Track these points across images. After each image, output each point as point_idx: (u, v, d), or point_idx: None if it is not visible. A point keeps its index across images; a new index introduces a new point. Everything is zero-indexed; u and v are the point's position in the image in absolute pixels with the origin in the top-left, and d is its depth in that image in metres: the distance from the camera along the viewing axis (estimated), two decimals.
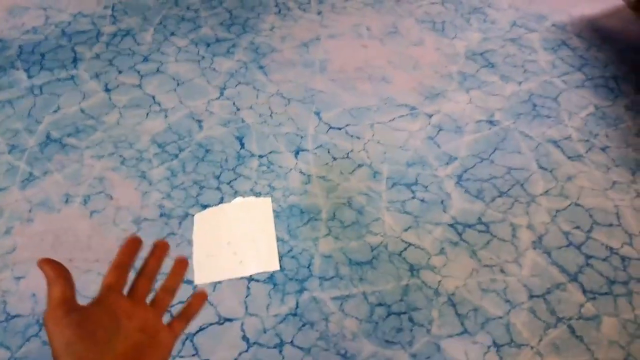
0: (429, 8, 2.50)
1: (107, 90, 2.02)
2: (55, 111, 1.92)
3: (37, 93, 2.00)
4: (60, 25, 2.35)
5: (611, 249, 1.51)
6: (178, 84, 2.05)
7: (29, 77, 2.08)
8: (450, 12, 2.48)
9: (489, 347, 1.30)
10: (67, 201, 1.62)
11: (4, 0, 2.52)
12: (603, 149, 1.81)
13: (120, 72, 2.10)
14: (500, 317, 1.36)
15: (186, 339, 1.31)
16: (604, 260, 1.48)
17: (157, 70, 2.12)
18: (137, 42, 2.26)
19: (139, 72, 2.10)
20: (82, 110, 1.93)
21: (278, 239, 1.53)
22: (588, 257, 1.49)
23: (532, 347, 1.30)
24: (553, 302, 1.39)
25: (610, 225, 1.57)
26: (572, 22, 2.41)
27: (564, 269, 1.46)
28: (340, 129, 1.88)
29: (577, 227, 1.56)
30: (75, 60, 2.15)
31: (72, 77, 2.07)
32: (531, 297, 1.40)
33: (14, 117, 1.90)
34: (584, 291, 1.41)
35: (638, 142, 1.83)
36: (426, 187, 1.67)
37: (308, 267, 1.46)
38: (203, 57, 2.18)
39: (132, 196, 1.64)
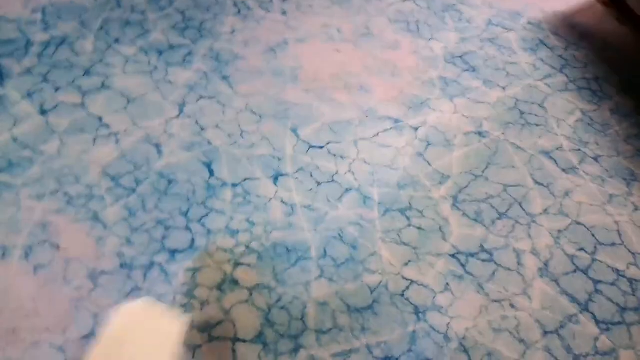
0: (401, 6, 2.34)
1: (44, 112, 1.71)
2: None
3: None
4: None
5: (618, 271, 1.43)
6: (128, 102, 1.78)
7: None
8: (423, 10, 2.33)
9: None
10: (3, 255, 1.33)
11: None
12: (595, 159, 1.74)
13: (57, 89, 1.79)
14: None
15: None
16: (612, 284, 1.40)
17: (102, 85, 1.82)
18: (76, 52, 1.94)
19: (80, 88, 1.80)
20: (15, 139, 1.62)
21: (263, 287, 1.33)
22: (596, 282, 1.41)
23: None
24: (568, 337, 1.29)
25: (613, 244, 1.50)
26: (547, 20, 2.33)
27: (574, 298, 1.37)
28: (321, 147, 1.70)
29: (582, 249, 1.48)
30: (1, 77, 1.82)
31: (0, 98, 1.74)
32: (545, 333, 1.29)
33: None
34: (597, 322, 1.33)
35: (628, 150, 1.78)
36: (421, 211, 1.53)
37: (301, 319, 1.28)
38: (155, 68, 1.91)
39: (84, 244, 1.37)
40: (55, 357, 1.17)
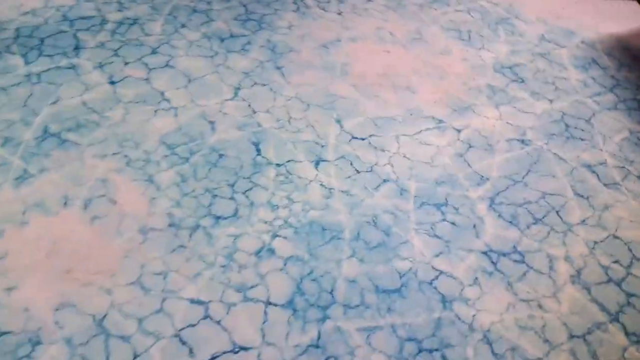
0: (454, 16, 2.39)
1: (112, 82, 1.86)
2: (54, 102, 1.76)
3: (35, 81, 1.83)
4: (61, 9, 2.18)
5: None
6: (189, 81, 1.91)
7: (27, 63, 1.91)
8: (477, 21, 2.37)
9: None
10: (65, 204, 1.46)
11: None
12: (639, 177, 1.72)
13: (126, 63, 1.94)
14: (540, 359, 1.25)
15: None
16: None
17: (167, 64, 1.96)
18: (145, 32, 2.10)
19: (147, 65, 1.95)
20: (84, 104, 1.77)
21: (297, 259, 1.40)
22: (629, 295, 1.39)
23: None
24: (594, 343, 1.29)
25: None
26: (601, 40, 2.32)
27: (604, 307, 1.36)
28: (363, 139, 1.76)
29: (617, 262, 1.47)
30: (77, 48, 1.99)
31: (74, 66, 1.91)
32: (571, 337, 1.30)
33: (9, 106, 1.74)
34: (627, 333, 1.31)
35: None
36: (457, 208, 1.56)
37: (331, 292, 1.34)
38: (216, 53, 2.04)
39: (138, 202, 1.49)
40: (102, 298, 1.28)
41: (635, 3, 2.60)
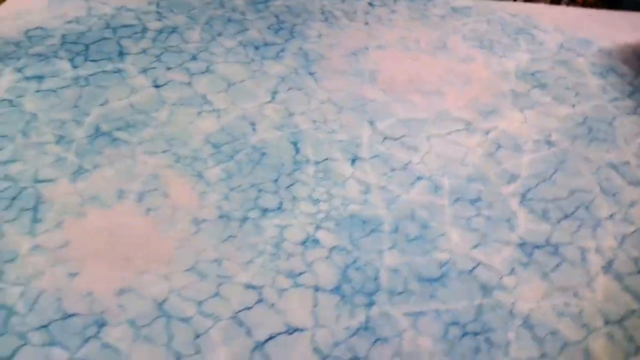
0: (475, 26, 2.50)
1: (156, 86, 1.96)
2: (103, 104, 1.86)
3: (83, 84, 1.93)
4: (103, 18, 2.29)
5: None
6: (228, 85, 2.00)
7: (74, 67, 2.01)
8: (497, 31, 2.48)
9: None
10: (120, 197, 1.55)
11: None
12: None
13: (168, 68, 2.05)
14: (579, 342, 1.31)
15: (255, 347, 1.23)
16: None
17: (207, 69, 2.07)
18: (184, 40, 2.21)
19: (188, 70, 2.05)
20: (132, 105, 1.86)
21: (341, 249, 1.47)
22: None
23: None
24: (630, 329, 1.35)
25: None
26: (618, 49, 2.42)
27: (636, 295, 1.42)
28: (395, 139, 1.85)
29: None
30: (121, 54, 2.10)
31: (119, 71, 2.01)
32: (607, 322, 1.36)
33: (60, 107, 1.83)
34: None
35: None
36: (490, 204, 1.64)
37: (375, 280, 1.41)
38: (252, 60, 2.14)
39: (188, 196, 1.57)
40: (161, 284, 1.35)
41: None
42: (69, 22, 2.25)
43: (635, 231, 1.60)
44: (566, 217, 1.62)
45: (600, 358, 1.28)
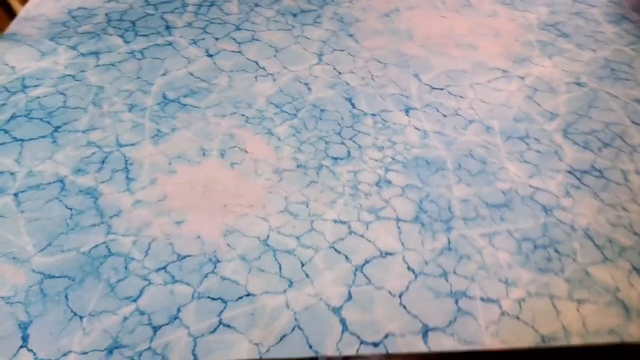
0: None
1: (210, 55, 2.06)
2: (164, 74, 1.95)
3: (140, 57, 2.02)
4: None
5: None
6: (276, 51, 2.11)
7: (126, 42, 2.09)
8: None
9: (630, 270, 1.43)
10: (204, 154, 1.66)
11: None
12: None
13: (217, 39, 2.14)
14: (633, 246, 1.49)
15: (356, 270, 1.38)
16: None
17: (252, 38, 2.17)
18: (225, 12, 2.30)
19: (235, 39, 2.15)
20: (191, 74, 1.96)
21: (412, 186, 1.61)
22: None
23: None
24: None
25: None
26: None
27: None
28: (442, 89, 1.99)
29: None
30: (168, 28, 2.18)
31: (170, 43, 2.10)
32: None
33: (123, 79, 1.92)
34: None
35: None
36: (538, 139, 1.80)
37: (449, 209, 1.56)
38: (293, 27, 2.25)
39: (265, 150, 1.69)
40: (261, 224, 1.48)
41: None
42: (109, 0, 2.32)
43: None
44: (605, 145, 1.79)
45: None
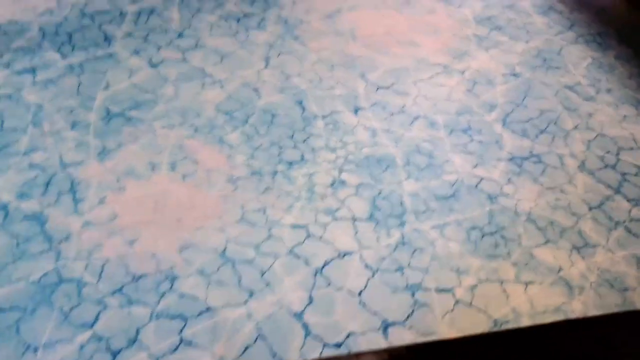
0: None
1: (153, 65, 2.01)
2: (106, 88, 1.89)
3: (79, 72, 1.95)
4: (76, 6, 2.28)
5: (638, 166, 1.81)
6: (222, 57, 2.10)
7: (63, 57, 2.01)
8: None
9: (570, 250, 1.54)
10: (153, 169, 1.63)
11: None
12: (608, 91, 2.13)
13: (159, 48, 2.10)
14: (572, 227, 1.60)
15: (315, 273, 1.41)
16: (635, 175, 1.78)
17: (197, 44, 2.14)
18: (165, 19, 2.25)
19: (178, 46, 2.11)
20: (135, 85, 1.91)
21: (365, 185, 1.66)
22: (623, 174, 1.78)
23: (603, 246, 1.55)
24: (608, 210, 1.66)
25: (632, 148, 1.88)
26: None
27: (608, 185, 1.74)
28: (387, 87, 2.04)
29: (608, 152, 1.85)
30: (107, 39, 2.11)
31: (111, 55, 2.04)
32: (590, 209, 1.66)
33: (63, 95, 1.85)
34: (628, 200, 1.70)
35: (632, 84, 2.18)
36: (479, 130, 1.89)
37: (401, 204, 1.61)
38: (237, 31, 2.24)
39: (217, 159, 1.68)
40: (218, 235, 1.47)
41: None
42: (42, 14, 2.22)
43: (597, 135, 1.92)
44: (541, 132, 1.91)
45: (590, 235, 1.58)
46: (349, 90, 2.00)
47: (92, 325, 1.26)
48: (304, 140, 1.79)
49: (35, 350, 1.21)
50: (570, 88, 2.12)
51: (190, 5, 2.35)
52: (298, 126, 1.84)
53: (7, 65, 1.94)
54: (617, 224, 1.62)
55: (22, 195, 1.52)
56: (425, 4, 2.53)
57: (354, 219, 1.56)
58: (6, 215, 1.47)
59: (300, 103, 1.93)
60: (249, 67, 2.06)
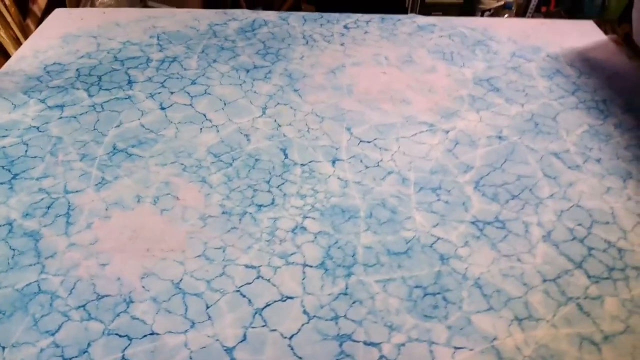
0: (438, 41, 2.84)
1: (162, 108, 2.28)
2: (117, 126, 2.17)
3: (99, 110, 2.25)
4: (111, 52, 2.63)
5: (609, 242, 1.78)
6: (225, 104, 2.33)
7: (90, 96, 2.33)
8: (457, 44, 2.82)
9: (512, 320, 1.54)
10: (139, 201, 1.85)
11: (58, 29, 2.81)
12: (597, 161, 2.10)
13: (172, 93, 2.37)
14: (520, 297, 1.60)
15: (255, 312, 1.53)
16: (603, 251, 1.75)
17: (205, 92, 2.39)
18: (184, 67, 2.54)
19: (189, 93, 2.37)
20: (142, 125, 2.18)
21: (324, 233, 1.77)
22: (590, 248, 1.75)
23: (547, 321, 1.54)
24: (563, 285, 1.64)
25: (607, 223, 1.84)
26: (564, 54, 2.76)
27: (570, 258, 1.72)
28: (369, 142, 2.16)
29: (580, 224, 1.83)
30: (130, 82, 2.42)
31: (129, 97, 2.33)
32: (544, 281, 1.65)
33: (81, 130, 2.15)
34: (589, 276, 1.67)
35: (627, 155, 2.13)
36: (449, 191, 1.94)
37: (353, 256, 1.70)
38: (244, 82, 2.47)
39: (196, 197, 1.87)
40: (177, 268, 1.64)
41: (592, 22, 3.06)
42: (82, 57, 2.59)
43: (572, 206, 1.90)
44: (513, 197, 1.93)
45: (537, 308, 1.57)
46: (332, 142, 2.14)
47: (54, 334, 1.46)
48: (279, 186, 1.94)
49: (4, 348, 1.42)
50: (555, 155, 2.12)
51: (209, 55, 2.64)
52: (277, 171, 2.00)
53: (43, 100, 2.29)
54: (569, 299, 1.60)
55: (26, 215, 1.78)
56: (427, 63, 2.64)
57: (305, 265, 1.67)
58: (10, 230, 1.73)
59: (284, 150, 2.10)
60: (246, 115, 2.27)
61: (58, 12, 2.99)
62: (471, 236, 1.78)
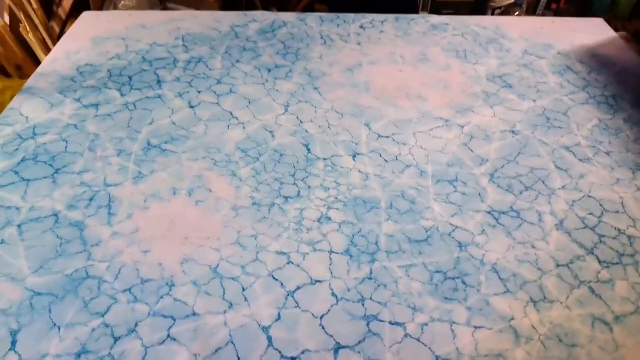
0: (452, 39, 2.94)
1: (191, 106, 2.41)
2: (150, 123, 2.30)
3: (132, 108, 2.38)
4: (140, 53, 2.76)
5: (619, 229, 1.87)
6: (249, 102, 2.45)
7: (122, 95, 2.46)
8: (470, 42, 2.92)
9: (527, 302, 1.64)
10: (174, 193, 1.98)
11: (88, 32, 2.95)
12: (607, 153, 2.20)
13: (199, 92, 2.50)
14: (535, 281, 1.70)
15: (287, 295, 1.65)
16: (613, 238, 1.84)
17: (230, 90, 2.51)
18: (209, 67, 2.66)
19: (215, 92, 2.50)
20: (174, 123, 2.31)
21: (348, 223, 1.88)
22: (601, 236, 1.85)
23: (561, 302, 1.65)
24: (575, 269, 1.74)
25: (617, 212, 1.94)
26: (574, 50, 2.85)
27: (582, 245, 1.82)
28: (387, 137, 2.27)
29: (591, 213, 1.93)
30: (159, 82, 2.55)
31: (159, 96, 2.46)
32: (557, 265, 1.75)
33: (116, 127, 2.28)
34: (600, 261, 1.77)
35: (636, 147, 2.22)
36: (465, 182, 2.05)
37: (375, 243, 1.82)
38: (267, 80, 2.59)
39: (227, 190, 2.00)
40: (214, 254, 1.77)
41: (601, 19, 3.14)
42: (112, 58, 2.72)
43: (583, 196, 2.00)
44: (527, 188, 2.03)
45: (550, 290, 1.68)
46: (352, 137, 2.26)
47: (103, 315, 1.59)
48: (303, 179, 2.06)
49: (59, 328, 1.55)
50: (567, 148, 2.22)
51: (232, 55, 2.76)
52: (300, 165, 2.11)
53: (78, 99, 2.42)
54: (581, 283, 1.70)
55: (70, 207, 1.92)
56: (442, 60, 2.74)
57: (331, 252, 1.78)
58: (56, 220, 1.87)
59: (306, 146, 2.21)
60: (269, 112, 2.39)
61: (86, 15, 3.13)
62: (487, 225, 1.89)
